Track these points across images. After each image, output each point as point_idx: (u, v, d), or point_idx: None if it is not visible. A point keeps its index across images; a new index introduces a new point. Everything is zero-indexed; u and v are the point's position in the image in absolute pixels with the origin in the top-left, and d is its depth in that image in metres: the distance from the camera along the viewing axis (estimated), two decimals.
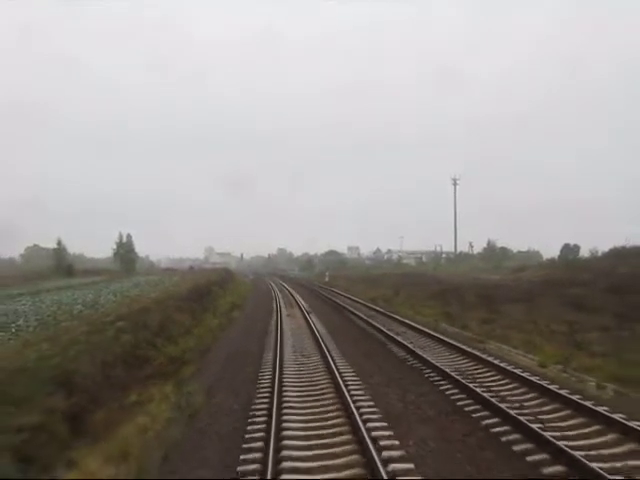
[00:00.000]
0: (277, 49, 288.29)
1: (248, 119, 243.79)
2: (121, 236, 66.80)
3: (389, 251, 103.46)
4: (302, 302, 26.15)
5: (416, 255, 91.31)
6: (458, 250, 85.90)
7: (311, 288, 40.79)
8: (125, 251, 66.29)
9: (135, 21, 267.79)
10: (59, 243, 68.04)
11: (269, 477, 5.14)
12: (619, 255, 50.41)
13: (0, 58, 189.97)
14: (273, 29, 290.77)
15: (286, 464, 5.65)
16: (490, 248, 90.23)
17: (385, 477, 4.90)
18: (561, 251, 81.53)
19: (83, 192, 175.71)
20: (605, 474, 5.12)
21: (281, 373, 9.67)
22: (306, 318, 18.73)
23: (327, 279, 49.88)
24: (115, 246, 67.21)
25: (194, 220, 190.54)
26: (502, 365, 10.54)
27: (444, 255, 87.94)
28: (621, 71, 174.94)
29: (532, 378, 9.30)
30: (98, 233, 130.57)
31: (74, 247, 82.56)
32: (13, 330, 22.89)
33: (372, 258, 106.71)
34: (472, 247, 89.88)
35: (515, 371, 9.91)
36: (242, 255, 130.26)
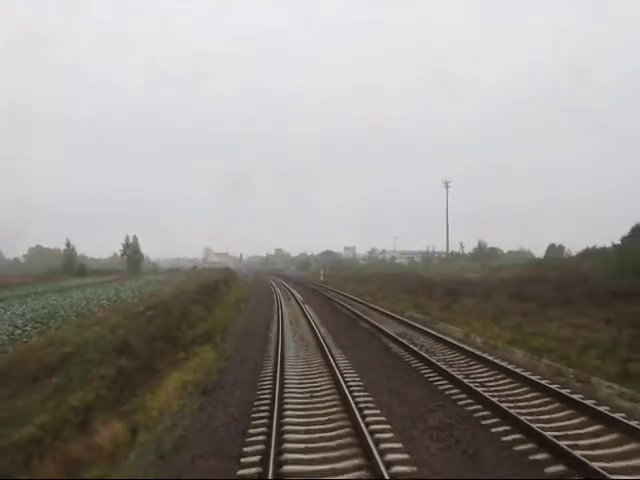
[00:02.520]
0: (277, 50, 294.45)
1: (247, 120, 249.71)
2: (127, 238, 72.23)
3: (383, 251, 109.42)
4: (298, 296, 31.59)
5: (409, 255, 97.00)
6: (450, 250, 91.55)
7: (306, 286, 46.19)
8: (131, 252, 71.62)
9: (135, 22, 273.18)
10: (68, 244, 73.44)
11: (278, 364, 10.56)
12: (588, 255, 56.61)
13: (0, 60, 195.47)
14: (274, 30, 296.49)
15: (287, 367, 11.07)
16: (480, 248, 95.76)
17: (332, 363, 10.35)
18: (547, 251, 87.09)
19: (82, 193, 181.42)
20: (445, 368, 10.51)
21: (283, 335, 15.04)
22: (301, 307, 24.15)
23: (322, 278, 55.24)
24: (122, 247, 72.63)
25: (192, 221, 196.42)
26: (433, 332, 15.87)
27: (436, 255, 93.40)
28: (621, 73, 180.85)
29: (450, 339, 14.61)
30: (98, 234, 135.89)
31: (76, 248, 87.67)
32: (59, 319, 28.37)
33: (367, 258, 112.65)
34: (463, 247, 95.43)
35: (440, 335, 15.25)
36: (241, 255, 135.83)
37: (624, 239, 42.37)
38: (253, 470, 5.62)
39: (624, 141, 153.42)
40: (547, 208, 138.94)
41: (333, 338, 14.64)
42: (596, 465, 5.59)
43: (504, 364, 10.73)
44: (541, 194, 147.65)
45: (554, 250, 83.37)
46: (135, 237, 71.73)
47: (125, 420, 9.49)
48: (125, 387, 14.37)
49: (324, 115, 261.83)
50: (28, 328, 25.27)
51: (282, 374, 10.00)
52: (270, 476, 5.21)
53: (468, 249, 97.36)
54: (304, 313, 21.19)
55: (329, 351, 11.92)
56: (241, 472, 5.60)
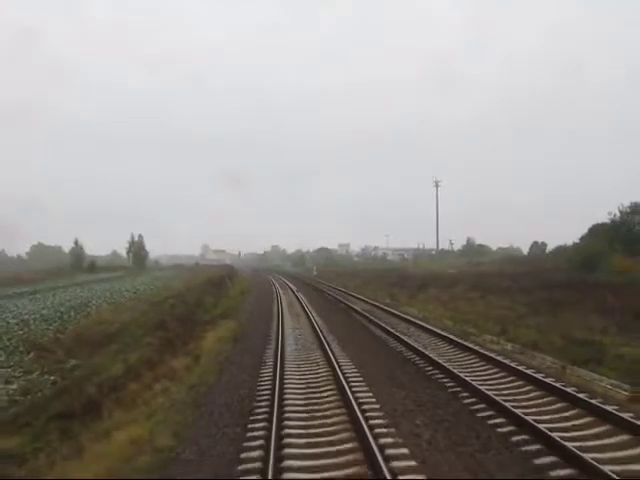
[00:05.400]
0: (277, 50, 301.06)
1: (245, 119, 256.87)
2: (133, 236, 78.74)
3: (376, 248, 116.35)
4: (293, 287, 38.18)
5: (400, 252, 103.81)
6: (440, 247, 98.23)
7: (301, 280, 52.78)
8: (137, 249, 78.13)
9: (136, 23, 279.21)
10: (76, 242, 79.63)
11: (280, 326, 17.08)
12: (557, 252, 63.16)
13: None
14: (274, 29, 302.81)
15: (285, 326, 17.57)
16: (469, 245, 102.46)
17: (314, 323, 16.87)
18: (530, 248, 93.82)
19: (80, 192, 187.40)
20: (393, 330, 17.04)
21: (282, 313, 21.55)
22: (295, 295, 30.71)
23: (315, 273, 61.81)
24: (127, 244, 79.13)
25: (189, 218, 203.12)
26: (392, 310, 22.35)
27: (426, 252, 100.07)
28: (620, 74, 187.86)
29: (400, 314, 21.09)
30: (95, 231, 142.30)
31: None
32: (94, 307, 34.67)
33: (360, 255, 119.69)
34: (452, 244, 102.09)
35: (395, 312, 21.74)
36: (240, 253, 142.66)
37: (582, 238, 49.07)
38: (271, 353, 12.22)
39: (621, 137, 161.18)
40: (544, 206, 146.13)
41: (318, 313, 21.21)
42: (440, 360, 12.03)
43: (423, 324, 17.27)
44: (539, 192, 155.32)
45: (537, 247, 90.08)
46: (140, 236, 78.74)
47: (187, 356, 15.96)
48: (171, 348, 20.81)
49: (323, 114, 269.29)
50: (72, 313, 31.60)
51: (283, 329, 16.54)
52: (279, 356, 11.68)
53: (459, 246, 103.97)
54: (298, 299, 27.74)
55: (313, 318, 18.48)
56: (264, 355, 12.18)
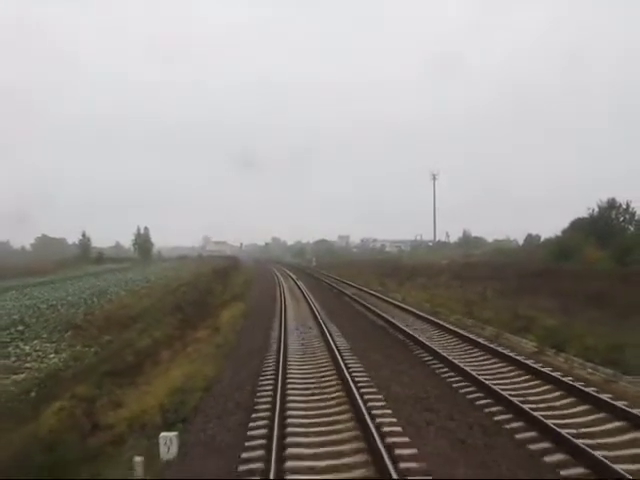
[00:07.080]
0: (278, 47, 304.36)
1: (246, 114, 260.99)
2: (139, 228, 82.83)
3: (375, 240, 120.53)
4: (294, 276, 42.28)
5: (397, 244, 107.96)
6: (437, 239, 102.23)
7: (301, 270, 56.86)
8: (143, 241, 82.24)
9: (137, 16, 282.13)
10: (84, 235, 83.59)
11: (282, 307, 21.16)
12: (545, 244, 67.09)
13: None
14: (274, 28, 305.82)
15: (287, 306, 21.63)
16: (465, 237, 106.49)
17: (311, 303, 20.93)
18: (525, 240, 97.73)
19: (83, 184, 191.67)
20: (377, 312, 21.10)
21: (284, 298, 25.56)
22: (295, 282, 34.78)
23: (314, 264, 65.88)
24: (133, 237, 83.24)
25: (190, 210, 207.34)
26: (378, 294, 26.36)
27: (423, 244, 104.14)
28: (621, 64, 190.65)
29: (383, 297, 25.07)
30: (99, 223, 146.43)
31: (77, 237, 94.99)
32: (113, 294, 38.62)
33: (359, 246, 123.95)
34: (449, 236, 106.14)
35: (380, 295, 25.74)
36: (242, 244, 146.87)
37: (564, 231, 53.05)
38: (277, 323, 16.26)
39: (623, 130, 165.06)
40: (544, 199, 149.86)
41: (314, 296, 25.27)
42: (404, 326, 16.01)
43: (401, 304, 21.27)
44: (539, 185, 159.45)
45: (532, 239, 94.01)
46: (146, 228, 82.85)
47: (207, 328, 20.01)
48: (190, 324, 24.86)
49: (325, 107, 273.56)
50: (95, 299, 35.61)
51: (285, 309, 20.61)
52: (282, 325, 15.69)
53: (455, 238, 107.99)
54: (298, 286, 31.84)
55: (310, 299, 22.56)
56: (272, 325, 16.22)
